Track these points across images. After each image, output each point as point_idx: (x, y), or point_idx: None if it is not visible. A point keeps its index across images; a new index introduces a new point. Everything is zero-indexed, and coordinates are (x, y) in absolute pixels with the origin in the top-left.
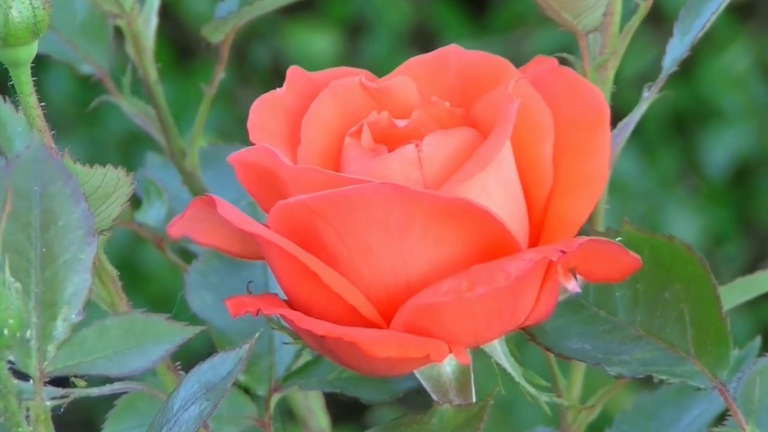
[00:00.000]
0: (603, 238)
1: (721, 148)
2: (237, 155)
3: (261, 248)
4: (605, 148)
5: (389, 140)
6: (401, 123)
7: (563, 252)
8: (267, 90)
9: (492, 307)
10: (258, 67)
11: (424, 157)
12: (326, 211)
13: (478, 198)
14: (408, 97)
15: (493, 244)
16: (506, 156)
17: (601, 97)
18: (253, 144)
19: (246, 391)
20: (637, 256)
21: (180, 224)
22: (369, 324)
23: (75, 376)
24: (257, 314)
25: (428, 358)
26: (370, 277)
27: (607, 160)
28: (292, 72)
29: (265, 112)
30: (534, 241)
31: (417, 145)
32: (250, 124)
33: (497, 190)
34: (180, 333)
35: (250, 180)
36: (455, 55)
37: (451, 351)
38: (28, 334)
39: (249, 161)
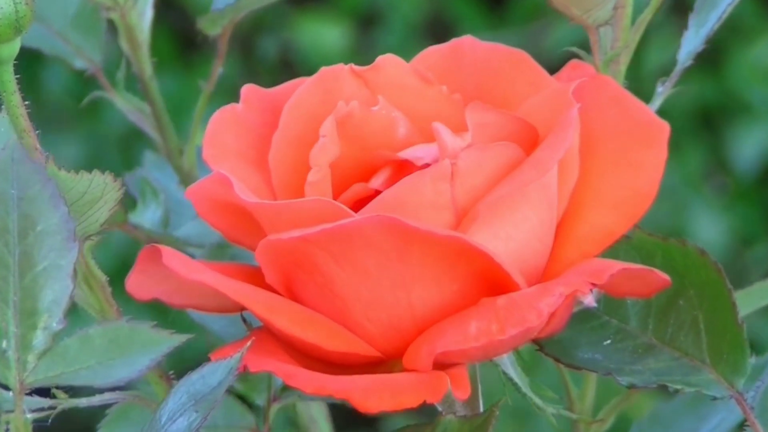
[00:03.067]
0: (634, 265)
1: (750, 145)
2: (194, 189)
3: None
4: (659, 166)
5: (364, 131)
6: (374, 108)
7: (594, 285)
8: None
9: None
10: (266, 60)
11: (458, 170)
12: (320, 240)
13: (525, 205)
14: (402, 80)
15: (495, 277)
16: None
17: (653, 114)
18: (205, 161)
19: (243, 400)
20: (667, 277)
21: (135, 280)
22: (354, 353)
23: (57, 388)
24: (244, 370)
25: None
26: (369, 299)
27: (659, 178)
28: (247, 90)
29: (222, 127)
30: (555, 242)
31: (453, 160)
32: (205, 139)
33: (539, 198)
34: (167, 341)
35: (212, 212)
36: (470, 47)
37: (451, 385)
38: (5, 344)
39: (207, 194)
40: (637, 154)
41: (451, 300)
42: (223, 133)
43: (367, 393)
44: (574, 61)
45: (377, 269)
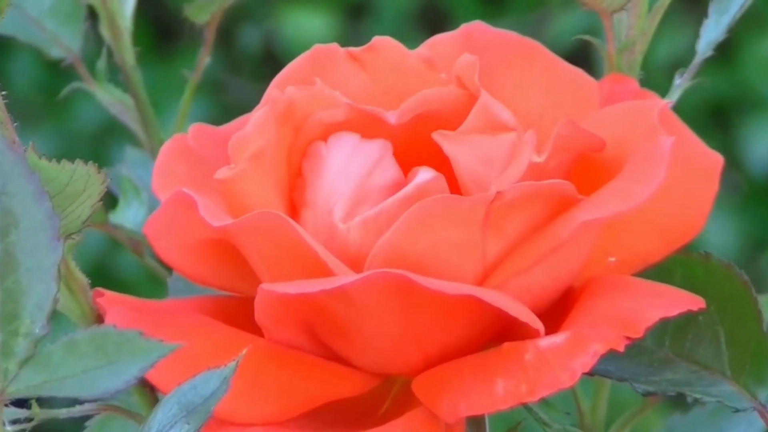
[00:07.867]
0: (674, 308)
1: (764, 142)
2: (151, 222)
3: None
4: (711, 199)
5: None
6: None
7: (630, 339)
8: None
9: None
10: (248, 51)
11: (501, 197)
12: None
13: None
14: (404, 63)
15: (510, 319)
16: None
17: (704, 144)
18: (155, 192)
19: None
20: (702, 300)
21: None
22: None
23: (39, 399)
24: None
25: None
26: (370, 330)
27: (708, 211)
28: (195, 128)
29: (174, 157)
30: None
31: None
32: (155, 169)
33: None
34: (158, 349)
35: (174, 249)
36: (480, 33)
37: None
38: None
39: (169, 225)
40: (690, 184)
41: (460, 332)
42: (175, 163)
43: None
44: (614, 74)
45: (379, 308)
